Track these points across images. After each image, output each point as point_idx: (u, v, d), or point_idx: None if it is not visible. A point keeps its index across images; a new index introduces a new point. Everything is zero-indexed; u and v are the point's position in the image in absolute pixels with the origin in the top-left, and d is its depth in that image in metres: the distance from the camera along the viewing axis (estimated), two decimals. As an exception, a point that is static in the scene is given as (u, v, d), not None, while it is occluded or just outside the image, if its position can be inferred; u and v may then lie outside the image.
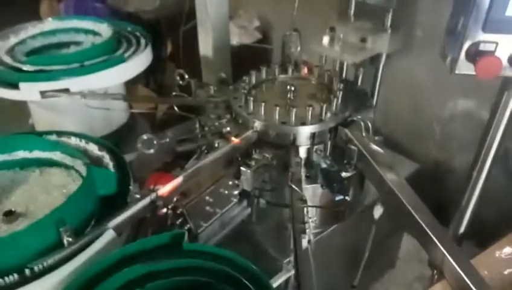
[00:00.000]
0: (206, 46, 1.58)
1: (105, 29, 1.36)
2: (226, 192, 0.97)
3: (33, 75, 1.15)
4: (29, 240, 0.71)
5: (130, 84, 1.44)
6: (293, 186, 0.90)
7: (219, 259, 0.71)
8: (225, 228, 1.02)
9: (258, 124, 1.03)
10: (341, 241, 1.20)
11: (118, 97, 1.23)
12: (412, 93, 1.65)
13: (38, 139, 0.98)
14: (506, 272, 1.08)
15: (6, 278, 0.67)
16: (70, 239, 0.73)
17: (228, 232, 1.03)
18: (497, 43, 0.84)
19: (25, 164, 0.96)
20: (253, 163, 0.98)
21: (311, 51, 1.29)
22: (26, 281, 0.68)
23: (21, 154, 0.96)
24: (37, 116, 1.34)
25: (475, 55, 0.86)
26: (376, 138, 1.04)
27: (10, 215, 0.82)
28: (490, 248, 1.10)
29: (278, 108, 1.02)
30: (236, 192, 0.99)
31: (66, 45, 1.39)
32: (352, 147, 1.01)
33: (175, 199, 0.89)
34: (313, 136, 1.03)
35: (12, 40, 1.31)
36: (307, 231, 0.82)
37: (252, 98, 1.06)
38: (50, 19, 1.43)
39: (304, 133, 1.02)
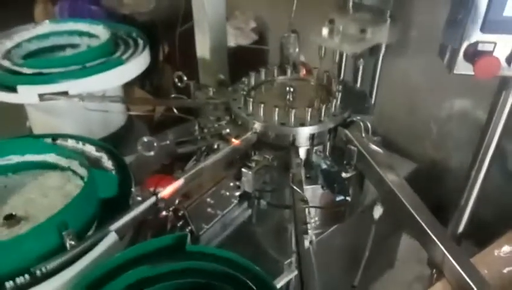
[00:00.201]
0: (203, 48, 1.58)
1: (102, 32, 1.36)
2: (228, 193, 0.97)
3: (31, 78, 1.14)
4: (32, 244, 0.71)
5: (126, 87, 1.44)
6: (294, 187, 0.90)
7: (223, 261, 0.71)
8: (226, 229, 1.02)
9: (257, 126, 1.04)
10: (341, 242, 1.20)
11: (116, 99, 1.23)
12: (408, 93, 1.66)
13: (30, 142, 0.97)
14: (505, 271, 1.09)
15: (8, 283, 0.67)
16: (72, 242, 0.73)
17: (229, 233, 1.03)
18: (495, 43, 0.85)
19: (18, 168, 0.95)
20: (253, 164, 0.98)
21: (310, 51, 1.29)
22: (28, 285, 0.68)
23: (14, 158, 0.95)
24: (35, 119, 1.34)
25: (473, 55, 0.87)
26: (374, 138, 1.04)
27: (11, 219, 0.82)
28: (489, 246, 1.11)
29: (277, 109, 1.02)
30: (237, 193, 0.99)
31: (62, 47, 1.39)
32: (352, 147, 1.02)
33: (177, 201, 0.89)
34: (312, 137, 1.03)
35: (9, 43, 1.30)
36: (309, 231, 0.82)
37: (251, 100, 1.06)
38: (47, 21, 1.43)
39: (304, 134, 1.02)
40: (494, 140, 1.04)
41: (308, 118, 1.02)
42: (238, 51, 2.06)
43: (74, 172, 0.93)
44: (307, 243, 0.81)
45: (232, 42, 2.03)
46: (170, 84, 2.51)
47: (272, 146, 1.04)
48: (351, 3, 1.26)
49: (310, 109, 1.01)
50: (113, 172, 0.90)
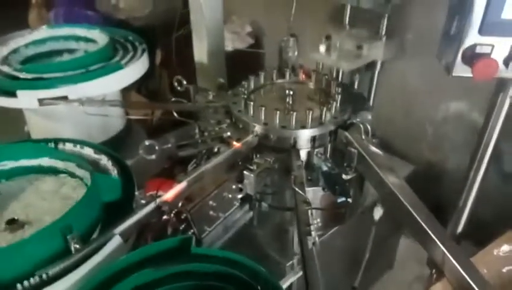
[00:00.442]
0: (200, 52, 1.58)
1: (99, 36, 1.36)
2: (230, 196, 0.98)
3: (31, 83, 1.14)
4: (37, 248, 0.71)
5: (123, 91, 1.43)
6: (297, 189, 0.91)
7: (228, 262, 0.72)
8: (228, 232, 1.02)
9: (258, 128, 1.04)
10: (341, 244, 1.21)
11: (116, 104, 1.23)
12: (405, 96, 1.68)
13: (24, 147, 0.97)
14: (504, 270, 1.11)
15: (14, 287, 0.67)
16: (77, 246, 0.73)
17: (230, 236, 1.03)
18: (493, 46, 0.87)
19: (12, 174, 0.95)
20: (255, 167, 0.98)
21: (307, 54, 1.30)
22: (35, 289, 0.67)
23: (8, 164, 0.95)
24: (33, 124, 1.34)
25: (472, 57, 0.88)
26: (373, 140, 1.05)
27: (13, 223, 0.82)
28: (488, 246, 1.12)
29: (278, 112, 1.03)
30: (239, 196, 0.99)
31: (59, 52, 1.39)
32: (352, 149, 1.02)
33: (180, 204, 0.89)
34: (313, 139, 1.04)
35: (5, 49, 1.30)
36: (312, 233, 0.82)
37: (251, 103, 1.06)
38: (44, 27, 1.43)
39: (304, 136, 1.03)
40: (491, 141, 1.05)
41: (309, 120, 1.03)
42: (235, 55, 2.07)
43: (71, 174, 0.93)
44: (309, 245, 0.82)
45: (228, 46, 2.04)
46: (166, 88, 2.51)
47: (272, 149, 1.05)
48: (347, 19, 1.28)
49: (310, 112, 1.02)
50: (116, 176, 0.90)
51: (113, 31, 1.46)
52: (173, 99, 1.20)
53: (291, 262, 1.07)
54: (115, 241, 0.76)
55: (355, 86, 1.22)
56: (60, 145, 1.01)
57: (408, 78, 1.62)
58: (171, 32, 2.28)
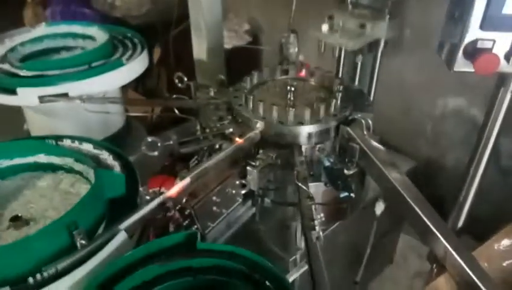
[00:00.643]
0: (200, 50, 1.59)
1: (97, 33, 1.36)
2: (234, 191, 0.98)
3: (31, 80, 1.14)
4: (43, 244, 0.71)
5: (121, 90, 1.43)
6: (300, 184, 0.91)
7: (234, 257, 0.72)
8: (231, 228, 1.02)
9: (260, 125, 1.04)
10: (343, 239, 1.21)
11: (116, 101, 1.23)
12: (403, 92, 1.69)
13: (17, 145, 0.96)
14: (505, 264, 1.11)
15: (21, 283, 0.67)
16: (83, 242, 0.72)
17: (233, 232, 1.04)
18: (494, 41, 0.87)
19: (7, 173, 0.94)
20: (258, 163, 0.98)
21: (307, 51, 1.31)
22: (41, 285, 0.67)
23: (3, 162, 0.94)
24: (33, 122, 1.33)
25: (473, 52, 0.89)
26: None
27: (17, 221, 0.81)
28: (489, 240, 1.13)
29: (279, 108, 1.03)
30: (243, 191, 0.99)
31: (56, 50, 1.39)
32: (354, 145, 1.03)
33: (184, 200, 0.89)
34: (315, 135, 1.04)
35: (2, 47, 1.29)
36: (316, 227, 0.83)
37: (253, 99, 1.07)
38: (43, 24, 1.42)
39: (306, 132, 1.04)
40: (492, 136, 1.06)
41: (311, 116, 1.03)
42: (232, 52, 2.07)
43: (68, 170, 0.93)
44: (313, 239, 0.82)
45: (226, 44, 2.04)
46: (164, 86, 2.51)
47: (274, 145, 1.05)
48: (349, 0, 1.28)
49: (312, 107, 1.02)
50: (119, 171, 0.90)
51: (111, 28, 1.45)
52: (174, 96, 1.20)
53: (294, 257, 1.08)
54: (121, 236, 0.76)
55: (358, 68, 1.22)
56: (59, 142, 1.00)
57: (406, 74, 1.63)
58: (168, 31, 2.28)
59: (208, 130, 1.10)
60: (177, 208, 0.90)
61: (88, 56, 1.21)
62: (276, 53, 1.37)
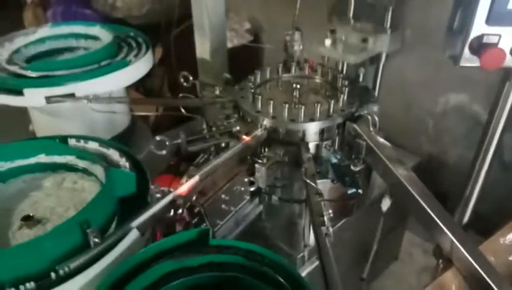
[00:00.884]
0: (203, 49, 1.59)
1: (101, 33, 1.36)
2: (242, 189, 0.98)
3: (37, 80, 1.14)
4: (56, 243, 0.71)
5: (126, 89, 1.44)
6: (308, 181, 0.92)
7: (247, 253, 0.72)
8: (239, 225, 1.03)
9: (267, 122, 1.05)
10: (349, 236, 1.22)
11: (123, 101, 1.23)
12: (405, 89, 1.69)
13: (17, 147, 0.95)
14: (511, 258, 1.12)
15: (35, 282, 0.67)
16: (96, 240, 0.73)
17: (241, 229, 1.04)
18: (500, 36, 0.88)
19: (9, 176, 0.94)
20: (265, 160, 0.99)
21: (310, 48, 1.31)
22: (55, 283, 0.68)
23: (4, 165, 0.93)
24: (39, 123, 1.33)
25: (479, 47, 0.89)
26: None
27: (29, 220, 0.82)
28: (494, 235, 1.13)
29: (286, 105, 1.04)
30: (251, 189, 1.00)
31: (60, 51, 1.39)
32: (361, 141, 1.04)
33: (194, 198, 0.90)
34: (322, 132, 1.05)
35: (9, 48, 1.29)
36: (326, 223, 0.83)
37: (259, 97, 1.07)
38: (49, 25, 1.42)
39: (313, 129, 1.04)
40: (497, 131, 1.07)
41: (318, 113, 1.03)
42: (233, 51, 2.08)
43: (69, 168, 0.93)
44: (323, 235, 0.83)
45: (227, 44, 2.05)
46: (165, 86, 2.51)
47: (281, 142, 1.05)
48: (351, 13, 1.29)
49: (319, 105, 1.03)
50: (129, 170, 0.90)
51: (114, 28, 1.45)
52: (180, 95, 1.21)
53: (301, 254, 1.09)
54: (133, 234, 0.77)
55: (360, 80, 1.23)
56: (73, 141, 1.00)
57: (407, 72, 1.63)
58: (170, 31, 2.29)
59: (214, 129, 1.11)
60: (187, 206, 0.90)
61: (94, 56, 1.21)
62: (277, 52, 1.38)
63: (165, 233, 0.93)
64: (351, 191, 1.00)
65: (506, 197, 1.49)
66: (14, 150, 0.94)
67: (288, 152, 1.03)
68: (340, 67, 1.30)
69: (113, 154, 0.96)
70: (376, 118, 1.04)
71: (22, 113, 1.35)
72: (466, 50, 0.91)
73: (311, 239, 1.07)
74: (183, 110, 1.19)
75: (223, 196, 0.96)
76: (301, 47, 1.22)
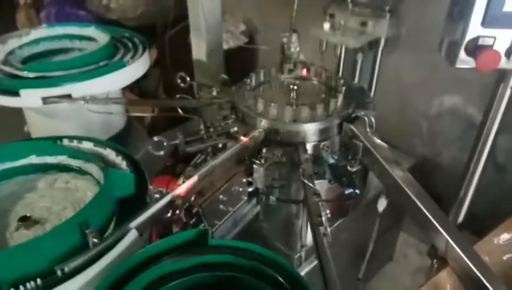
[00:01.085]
0: (199, 50, 1.59)
1: (96, 34, 1.36)
2: (241, 189, 0.99)
3: (34, 81, 1.13)
4: (55, 243, 0.71)
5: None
6: (306, 181, 0.92)
7: (247, 253, 0.72)
8: (237, 226, 1.03)
9: (265, 123, 1.05)
10: (345, 236, 1.22)
11: (120, 102, 1.23)
12: (399, 91, 1.70)
13: (7, 149, 0.94)
14: (505, 258, 1.13)
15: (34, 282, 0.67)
16: (95, 240, 0.73)
17: (239, 230, 1.04)
18: (495, 38, 0.89)
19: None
20: (263, 161, 0.99)
21: (306, 51, 1.32)
22: (54, 284, 0.68)
23: None
24: (34, 124, 1.33)
25: (475, 49, 0.91)
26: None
27: (26, 220, 0.81)
28: (489, 235, 1.15)
29: (284, 106, 1.04)
30: (249, 189, 1.00)
31: (54, 52, 1.38)
32: (358, 142, 1.04)
33: (192, 198, 0.90)
34: (320, 132, 1.06)
35: (2, 49, 1.28)
36: (324, 223, 0.84)
37: (257, 98, 1.08)
38: (39, 26, 1.42)
39: (311, 130, 1.05)
40: (492, 132, 1.08)
41: (315, 114, 1.04)
42: (229, 53, 2.08)
43: (61, 168, 0.93)
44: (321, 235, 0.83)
45: (224, 45, 2.05)
46: (160, 87, 2.51)
47: (279, 143, 1.06)
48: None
49: (316, 106, 1.03)
50: (127, 170, 0.90)
51: (109, 29, 1.44)
52: (178, 96, 1.21)
53: (298, 254, 1.09)
54: (132, 235, 0.76)
55: (358, 67, 1.23)
56: (66, 141, 1.00)
57: (402, 73, 1.65)
58: (164, 32, 2.29)
59: (212, 130, 1.11)
60: (185, 206, 0.91)
61: (91, 57, 1.21)
62: (273, 53, 1.38)
63: (161, 234, 0.93)
64: (348, 191, 1.00)
65: (499, 199, 1.51)
66: (4, 152, 0.93)
67: (286, 153, 1.03)
68: (338, 52, 1.30)
69: (110, 154, 0.96)
70: (373, 119, 1.05)
71: (17, 114, 1.34)
72: (462, 52, 0.92)
73: (309, 239, 1.08)
74: (180, 111, 1.19)
75: (221, 196, 0.96)
76: (298, 49, 1.22)
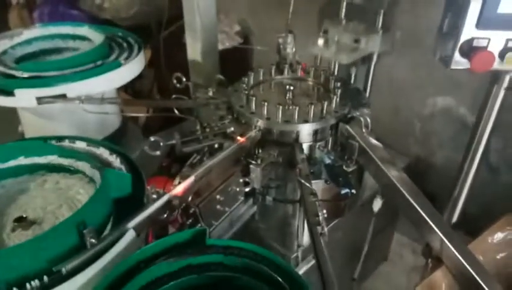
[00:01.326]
0: (194, 51, 1.59)
1: (93, 34, 1.35)
2: (237, 189, 0.99)
3: (29, 81, 1.13)
4: (53, 243, 0.70)
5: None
6: (303, 181, 0.93)
7: (245, 253, 0.72)
8: (233, 226, 1.03)
9: (261, 123, 1.06)
10: (341, 236, 1.23)
11: (115, 102, 1.22)
12: (393, 92, 1.71)
13: None
14: (499, 257, 1.15)
15: (33, 282, 0.67)
16: (93, 240, 0.73)
17: (235, 230, 1.05)
18: (489, 39, 0.90)
19: None
20: (259, 161, 0.99)
21: (305, 52, 1.32)
22: (54, 283, 0.67)
23: None
24: (28, 124, 1.31)
25: (469, 51, 0.92)
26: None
27: (22, 221, 0.81)
28: (483, 234, 1.16)
29: (280, 107, 1.05)
30: (246, 189, 1.00)
31: (47, 52, 1.37)
32: (353, 142, 1.05)
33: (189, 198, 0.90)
34: (315, 133, 1.06)
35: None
36: (321, 223, 0.84)
37: (254, 98, 1.08)
38: (32, 26, 1.41)
39: (307, 130, 1.05)
40: (485, 133, 1.09)
41: (311, 114, 1.04)
42: (223, 53, 2.08)
43: (51, 168, 0.92)
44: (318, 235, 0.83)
45: (219, 46, 2.05)
46: (154, 88, 2.51)
47: (275, 143, 1.06)
48: (343, 14, 1.31)
49: (312, 106, 1.04)
50: (124, 170, 0.90)
51: (102, 29, 1.43)
52: (174, 96, 1.20)
53: (295, 254, 1.09)
54: (129, 235, 0.76)
55: (352, 80, 1.24)
56: (53, 142, 0.99)
57: (396, 74, 1.66)
58: (158, 32, 2.28)
59: (208, 130, 1.11)
60: (182, 206, 0.90)
61: (86, 57, 1.20)
62: (268, 54, 1.39)
63: (158, 235, 0.93)
64: (344, 191, 1.01)
65: (493, 199, 1.52)
66: None
67: (282, 153, 1.04)
68: (332, 67, 1.31)
69: (103, 153, 0.96)
70: (368, 120, 1.06)
71: (12, 114, 1.33)
72: (456, 53, 0.93)
73: (305, 239, 1.08)
74: (176, 112, 1.19)
75: (217, 196, 0.96)
76: (294, 49, 1.22)
